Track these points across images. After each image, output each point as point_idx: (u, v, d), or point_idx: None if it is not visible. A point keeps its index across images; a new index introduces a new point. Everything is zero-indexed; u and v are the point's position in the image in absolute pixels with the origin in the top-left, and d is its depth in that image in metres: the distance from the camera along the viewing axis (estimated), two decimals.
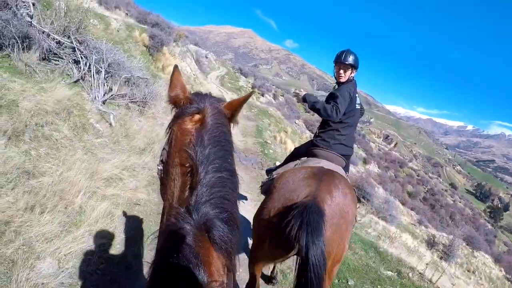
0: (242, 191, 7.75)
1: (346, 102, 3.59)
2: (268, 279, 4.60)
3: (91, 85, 7.90)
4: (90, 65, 8.16)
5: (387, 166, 65.44)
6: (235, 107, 1.53)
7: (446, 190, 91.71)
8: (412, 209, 35.92)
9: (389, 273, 6.09)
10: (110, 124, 7.67)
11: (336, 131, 3.69)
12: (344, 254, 2.70)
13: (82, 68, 8.12)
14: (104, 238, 4.41)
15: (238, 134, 14.32)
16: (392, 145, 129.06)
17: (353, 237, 7.17)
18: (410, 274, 6.38)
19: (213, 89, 24.37)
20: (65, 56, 8.11)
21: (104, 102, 8.04)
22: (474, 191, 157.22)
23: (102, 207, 4.95)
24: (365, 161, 49.46)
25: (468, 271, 20.15)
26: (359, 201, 18.19)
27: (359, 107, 3.82)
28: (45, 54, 7.63)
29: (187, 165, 1.30)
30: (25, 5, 7.98)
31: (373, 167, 51.07)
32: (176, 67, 1.62)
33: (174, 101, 1.54)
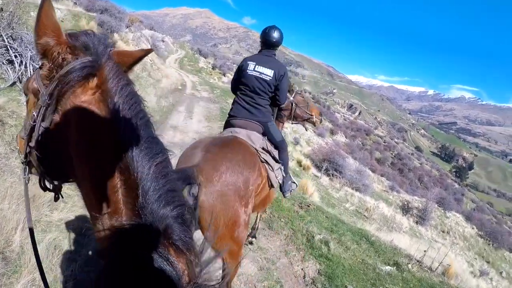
0: None
1: (234, 75, 3.94)
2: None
3: None
4: (26, 63, 6.85)
5: (354, 135, 66.54)
6: (129, 61, 1.18)
7: (412, 154, 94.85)
8: (382, 175, 36.55)
9: (388, 268, 5.41)
10: None
11: (241, 100, 3.77)
12: (244, 218, 2.69)
13: (17, 69, 6.80)
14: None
15: (201, 119, 13.17)
16: (357, 113, 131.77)
17: (339, 227, 6.48)
18: (410, 265, 5.71)
19: (172, 73, 23.25)
20: None
21: None
22: (439, 153, 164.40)
23: (47, 240, 3.85)
24: (332, 132, 49.82)
25: (443, 231, 20.74)
26: (332, 175, 18.66)
27: (257, 74, 3.67)
28: None
29: (109, 160, 0.93)
30: None
31: (340, 137, 51.77)
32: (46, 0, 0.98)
33: (44, 53, 1.02)
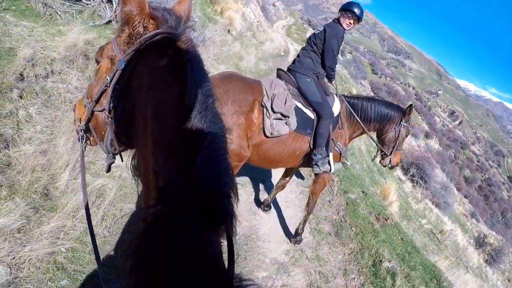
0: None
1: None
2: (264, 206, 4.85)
3: None
4: None
5: (448, 145, 62.21)
6: (186, 12, 1.23)
7: (503, 183, 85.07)
8: (466, 197, 34.16)
9: None
10: None
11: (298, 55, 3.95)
12: None
13: (114, 7, 6.82)
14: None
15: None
16: (457, 122, 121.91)
17: (412, 256, 5.64)
18: None
19: (277, 38, 22.83)
20: None
21: None
22: None
23: (95, 185, 3.76)
24: (426, 135, 46.95)
25: (509, 280, 18.20)
26: (416, 183, 17.60)
27: (313, 33, 3.95)
28: None
29: (173, 125, 0.91)
30: None
31: (434, 143, 49.23)
32: None
33: (127, 20, 1.10)
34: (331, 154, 3.68)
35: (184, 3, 1.26)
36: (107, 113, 1.16)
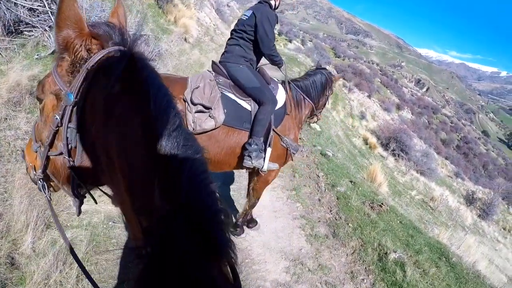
0: (269, 194, 5.75)
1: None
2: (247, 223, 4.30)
3: None
4: None
5: (420, 112, 64.67)
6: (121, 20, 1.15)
7: (479, 138, 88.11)
8: (446, 158, 35.55)
9: None
10: None
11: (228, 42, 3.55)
12: None
13: None
14: None
15: None
16: (424, 89, 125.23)
17: (416, 239, 5.27)
18: None
19: None
20: (40, 24, 6.27)
21: None
22: (506, 140, 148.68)
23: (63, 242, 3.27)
24: (398, 107, 47.89)
25: (504, 229, 19.07)
26: (398, 156, 18.09)
27: (241, 18, 3.53)
28: (11, 26, 5.84)
29: (141, 153, 0.84)
30: None
31: (406, 113, 50.72)
32: None
33: (66, 46, 0.94)
34: (268, 150, 3.25)
35: (119, 11, 1.16)
36: (66, 157, 1.01)
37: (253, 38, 3.39)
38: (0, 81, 4.66)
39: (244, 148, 3.14)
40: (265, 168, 3.25)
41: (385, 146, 18.33)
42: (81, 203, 1.20)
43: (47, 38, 6.29)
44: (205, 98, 2.91)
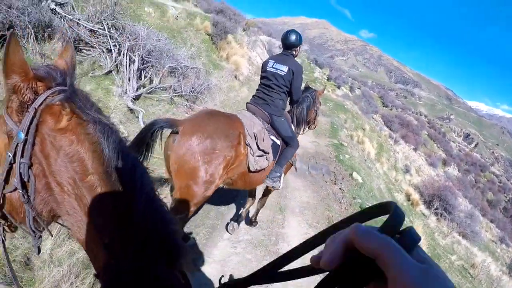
0: (304, 223, 5.72)
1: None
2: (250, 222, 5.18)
3: (124, 77, 6.28)
4: (124, 53, 6.57)
5: (467, 169, 60.96)
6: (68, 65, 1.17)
7: None
8: (492, 221, 32.87)
9: None
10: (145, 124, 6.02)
11: (259, 91, 4.23)
12: (203, 175, 3.11)
13: (114, 58, 6.54)
14: None
15: (310, 133, 12.00)
16: (473, 145, 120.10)
17: None
18: None
19: None
20: (98, 45, 6.61)
21: (137, 98, 6.37)
22: None
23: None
24: (444, 163, 45.89)
25: None
26: (440, 215, 17.04)
27: (273, 70, 4.05)
28: (71, 43, 6.19)
29: (94, 185, 0.96)
30: None
31: (452, 170, 48.41)
32: (11, 34, 0.94)
33: (14, 89, 1.00)
34: (283, 175, 4.20)
35: (66, 52, 1.21)
36: (20, 191, 1.03)
37: (288, 91, 4.16)
38: None
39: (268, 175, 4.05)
40: (281, 187, 4.22)
41: (428, 204, 17.28)
42: (40, 241, 1.21)
43: (104, 59, 6.59)
44: (265, 146, 3.68)
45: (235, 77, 13.22)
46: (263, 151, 3.67)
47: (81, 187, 0.93)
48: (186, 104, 7.72)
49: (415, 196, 15.78)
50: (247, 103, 4.24)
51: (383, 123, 34.44)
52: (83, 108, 0.99)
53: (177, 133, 3.09)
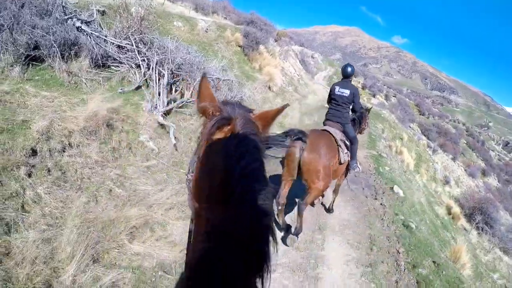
0: (345, 243, 5.35)
1: (329, 94, 5.99)
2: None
3: (154, 92, 6.15)
4: (153, 67, 6.44)
5: (508, 180, 57.61)
6: (266, 120, 1.40)
7: None
8: None
9: None
10: (177, 140, 5.83)
11: (332, 109, 5.83)
12: (325, 172, 4.69)
13: (143, 72, 6.43)
14: None
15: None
16: None
17: None
18: None
19: (319, 90, 22.47)
20: (127, 61, 6.53)
21: (167, 113, 6.22)
22: None
23: (105, 281, 3.04)
24: (483, 173, 43.89)
25: None
26: (482, 229, 16.22)
27: (340, 93, 5.69)
28: (99, 60, 6.22)
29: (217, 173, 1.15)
30: (79, 12, 6.68)
31: (492, 180, 46.52)
32: (203, 76, 1.43)
33: (202, 112, 1.40)
34: (358, 161, 6.02)
35: (270, 112, 1.40)
36: (187, 176, 1.52)
37: (351, 106, 5.81)
38: (79, 109, 4.78)
39: (349, 165, 5.69)
40: (360, 170, 6.40)
41: (469, 217, 16.46)
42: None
43: (133, 74, 6.48)
44: (344, 147, 5.30)
45: (269, 88, 12.97)
46: (346, 148, 5.36)
47: (208, 180, 1.15)
48: None
49: (456, 209, 14.94)
50: (326, 119, 5.84)
51: (420, 132, 33.49)
52: (236, 129, 1.20)
53: (304, 142, 4.62)
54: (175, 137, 5.76)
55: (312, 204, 6.21)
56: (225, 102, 1.33)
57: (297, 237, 4.84)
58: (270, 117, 1.37)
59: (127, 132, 5.17)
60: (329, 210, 6.23)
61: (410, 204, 7.98)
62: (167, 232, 4.08)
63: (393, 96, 46.24)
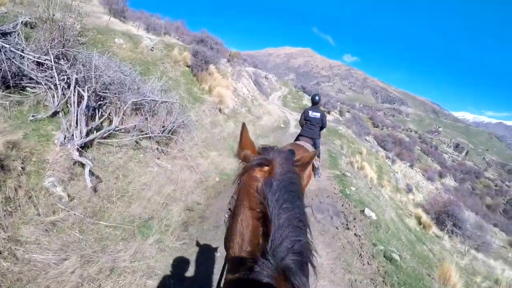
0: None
1: (301, 118, 7.22)
2: None
3: (72, 119, 4.88)
4: (73, 87, 5.20)
5: (463, 178, 61.36)
6: (304, 163, 1.54)
7: None
8: (495, 225, 32.65)
9: None
10: (98, 180, 4.59)
11: (306, 128, 7.03)
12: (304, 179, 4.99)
13: (60, 94, 5.18)
14: None
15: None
16: (464, 153, 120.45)
17: None
18: None
19: (275, 110, 21.92)
20: (45, 80, 5.27)
21: (87, 144, 4.95)
22: None
23: None
24: (440, 175, 45.36)
25: None
26: (452, 232, 16.30)
27: (313, 116, 6.99)
28: (8, 80, 4.86)
29: (258, 210, 1.26)
30: None
31: (449, 181, 49.14)
32: (244, 125, 1.60)
33: (243, 159, 1.53)
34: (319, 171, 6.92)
35: (307, 155, 1.58)
36: (226, 214, 1.63)
37: (321, 125, 7.02)
38: None
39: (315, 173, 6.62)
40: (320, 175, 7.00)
41: (437, 221, 16.29)
42: None
43: (51, 97, 5.19)
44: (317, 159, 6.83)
45: (220, 110, 11.83)
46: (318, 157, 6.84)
47: (245, 213, 1.31)
48: (157, 148, 6.29)
49: (427, 219, 14.45)
50: (300, 135, 6.94)
51: (377, 143, 34.15)
52: (275, 171, 1.31)
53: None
54: (95, 177, 4.52)
55: None
56: (265, 148, 1.48)
57: None
58: (307, 162, 1.53)
59: (29, 174, 3.89)
60: None
61: (385, 227, 6.99)
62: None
63: (347, 112, 47.08)
